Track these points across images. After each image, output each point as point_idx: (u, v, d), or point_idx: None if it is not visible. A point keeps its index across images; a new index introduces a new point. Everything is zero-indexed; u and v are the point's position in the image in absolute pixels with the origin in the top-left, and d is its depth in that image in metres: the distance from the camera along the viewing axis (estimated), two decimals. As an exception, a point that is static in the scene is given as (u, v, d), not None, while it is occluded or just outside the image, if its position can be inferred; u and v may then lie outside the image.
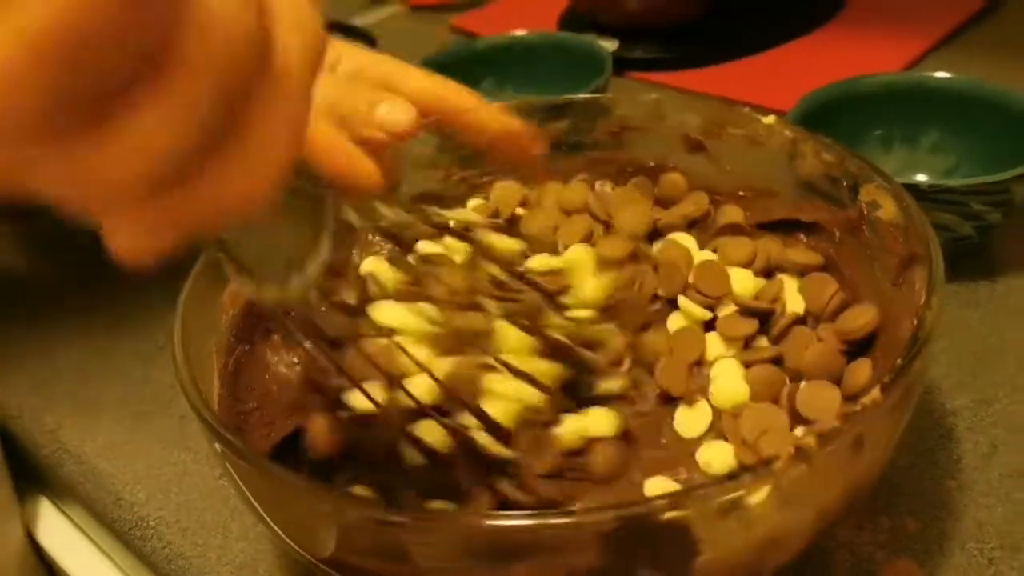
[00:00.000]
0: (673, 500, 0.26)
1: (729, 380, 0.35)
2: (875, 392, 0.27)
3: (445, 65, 0.58)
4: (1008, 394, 0.41)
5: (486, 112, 0.44)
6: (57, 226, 0.62)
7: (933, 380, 0.42)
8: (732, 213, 0.42)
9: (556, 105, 0.46)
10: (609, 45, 0.71)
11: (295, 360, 0.39)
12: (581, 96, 0.48)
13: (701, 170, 0.44)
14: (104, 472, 0.43)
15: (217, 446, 0.29)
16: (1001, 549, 0.35)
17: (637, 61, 0.73)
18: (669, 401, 0.36)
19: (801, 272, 0.39)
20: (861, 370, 0.34)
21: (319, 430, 0.34)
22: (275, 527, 0.31)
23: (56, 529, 0.48)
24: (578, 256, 0.40)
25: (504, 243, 0.36)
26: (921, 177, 0.52)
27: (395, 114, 0.39)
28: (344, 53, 0.44)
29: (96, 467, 0.44)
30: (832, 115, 0.52)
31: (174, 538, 0.40)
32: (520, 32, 0.70)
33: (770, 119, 0.41)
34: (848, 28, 0.75)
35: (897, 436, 0.31)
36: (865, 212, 0.37)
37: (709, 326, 0.38)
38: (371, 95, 0.40)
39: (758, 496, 0.26)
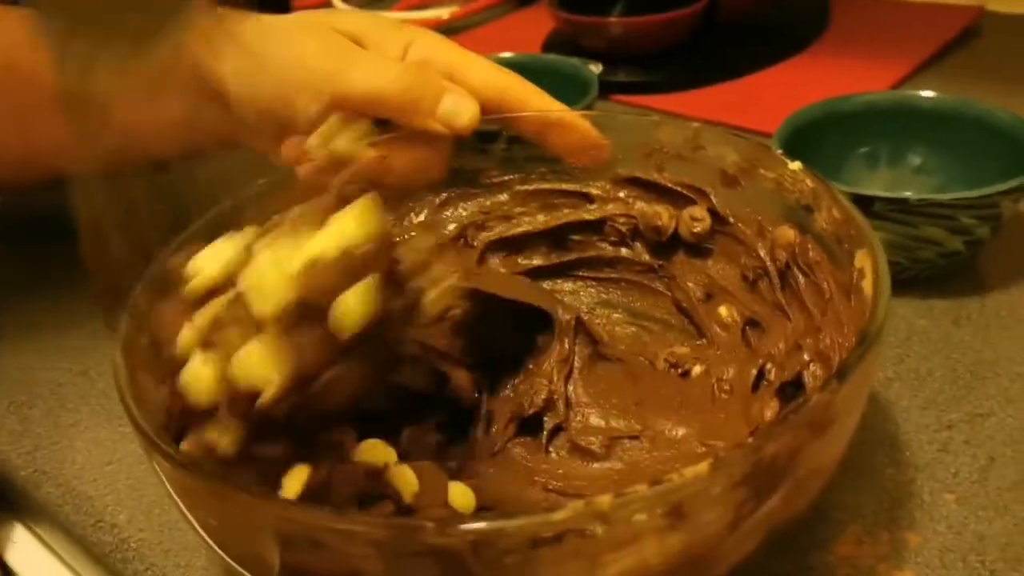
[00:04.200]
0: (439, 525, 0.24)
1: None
2: (702, 467, 0.25)
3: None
4: (1003, 407, 0.41)
5: (558, 115, 0.43)
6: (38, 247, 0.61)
7: (928, 395, 0.42)
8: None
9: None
10: (594, 68, 0.71)
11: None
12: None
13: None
14: (84, 494, 0.42)
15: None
16: (1003, 562, 0.34)
17: (620, 84, 0.74)
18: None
19: None
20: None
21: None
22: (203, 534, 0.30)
23: (29, 553, 0.46)
24: None
25: None
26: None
27: (458, 110, 0.40)
28: (417, 39, 0.44)
29: (75, 489, 0.43)
30: (817, 135, 0.52)
31: (157, 559, 0.38)
32: (506, 54, 0.70)
33: (795, 165, 0.39)
34: (831, 51, 0.76)
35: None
36: (855, 279, 0.34)
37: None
38: (437, 87, 0.41)
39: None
